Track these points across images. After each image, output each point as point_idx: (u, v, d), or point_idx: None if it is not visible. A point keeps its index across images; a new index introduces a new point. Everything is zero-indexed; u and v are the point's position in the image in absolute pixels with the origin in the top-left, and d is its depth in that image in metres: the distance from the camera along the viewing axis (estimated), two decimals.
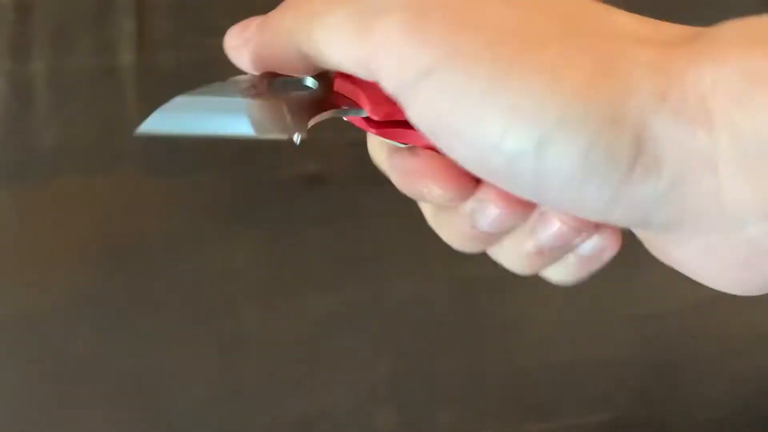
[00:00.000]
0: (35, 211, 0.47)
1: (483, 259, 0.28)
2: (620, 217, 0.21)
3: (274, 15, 0.25)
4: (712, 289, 0.23)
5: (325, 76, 0.26)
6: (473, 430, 0.45)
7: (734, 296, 0.23)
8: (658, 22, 0.23)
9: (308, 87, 0.25)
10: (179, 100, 0.26)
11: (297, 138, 0.24)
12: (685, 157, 0.20)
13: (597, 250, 0.25)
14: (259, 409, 0.44)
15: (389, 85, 0.22)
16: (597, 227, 0.25)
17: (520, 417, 0.45)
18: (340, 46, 0.23)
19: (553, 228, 0.24)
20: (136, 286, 0.46)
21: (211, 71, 0.50)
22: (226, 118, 0.26)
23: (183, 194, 0.47)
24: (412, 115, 0.22)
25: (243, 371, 0.45)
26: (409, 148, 0.25)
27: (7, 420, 0.44)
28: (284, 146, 0.48)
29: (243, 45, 0.25)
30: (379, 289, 0.46)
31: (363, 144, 0.28)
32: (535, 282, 0.28)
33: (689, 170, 0.20)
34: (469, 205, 0.25)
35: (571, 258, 0.25)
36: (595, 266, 0.26)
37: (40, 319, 0.45)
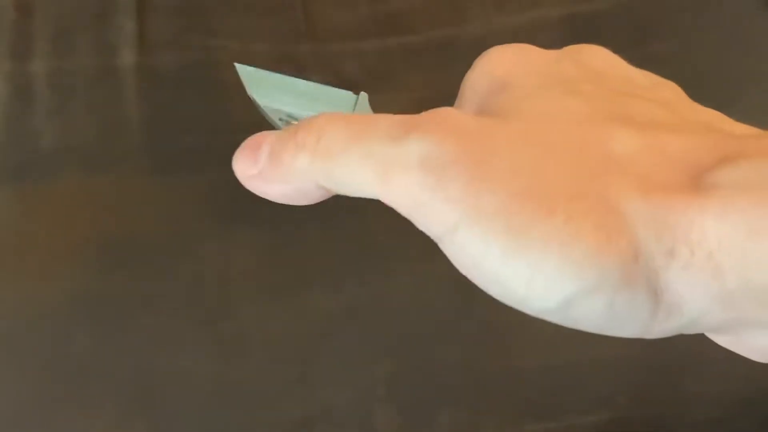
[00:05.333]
0: (35, 211, 0.47)
1: None
2: (653, 337, 0.23)
3: (286, 152, 0.25)
4: None
5: None
6: (473, 430, 0.45)
7: None
8: (657, 135, 0.23)
9: None
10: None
11: None
12: (701, 299, 0.21)
13: None
14: (259, 409, 0.44)
15: (419, 226, 0.23)
16: None
17: (520, 417, 0.45)
18: (361, 188, 0.24)
19: None
20: (135, 286, 0.46)
21: (211, 72, 0.50)
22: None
23: (183, 194, 0.47)
24: (448, 254, 0.23)
25: (243, 371, 0.45)
26: None
27: (6, 419, 0.44)
28: None
29: (258, 176, 0.26)
30: (380, 288, 0.46)
31: None
32: None
33: (708, 307, 0.21)
34: None
35: None
36: None
37: (40, 319, 0.45)
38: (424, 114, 0.24)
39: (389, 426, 0.44)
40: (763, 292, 0.21)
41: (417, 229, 0.28)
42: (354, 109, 0.28)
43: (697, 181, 0.22)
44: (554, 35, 0.52)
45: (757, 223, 0.20)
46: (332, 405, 0.45)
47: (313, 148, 0.25)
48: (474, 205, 0.22)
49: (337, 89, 0.28)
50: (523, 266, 0.22)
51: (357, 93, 0.28)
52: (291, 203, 0.26)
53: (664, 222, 0.21)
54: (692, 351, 0.46)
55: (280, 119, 0.29)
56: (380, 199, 0.24)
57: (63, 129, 0.48)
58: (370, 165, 0.23)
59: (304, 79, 0.28)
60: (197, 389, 0.44)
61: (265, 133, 0.26)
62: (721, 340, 0.24)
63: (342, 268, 0.46)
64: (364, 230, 0.47)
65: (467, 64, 0.28)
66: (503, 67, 0.27)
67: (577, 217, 0.21)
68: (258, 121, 0.53)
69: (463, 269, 0.23)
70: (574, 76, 0.26)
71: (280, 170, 0.26)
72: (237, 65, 0.28)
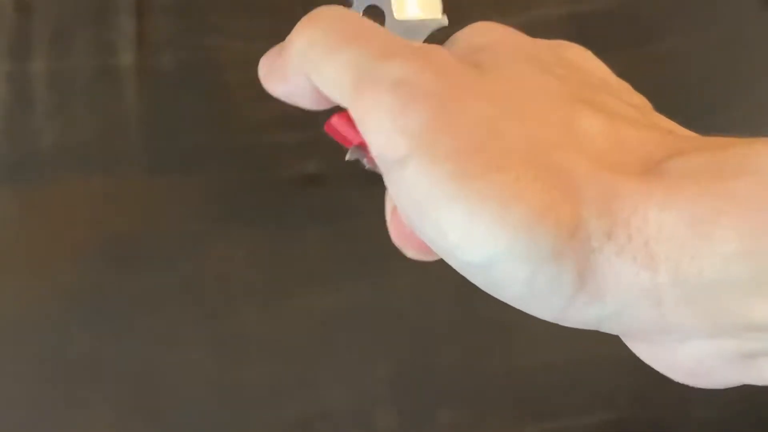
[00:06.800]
0: (35, 211, 0.47)
1: None
2: (570, 324, 0.22)
3: (290, 43, 0.26)
4: None
5: None
6: (473, 431, 0.45)
7: None
8: (620, 124, 0.23)
9: None
10: None
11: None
12: (628, 290, 0.21)
13: None
14: (259, 409, 0.44)
15: (371, 151, 0.23)
16: None
17: (520, 417, 0.45)
18: (337, 92, 0.24)
19: None
20: (136, 286, 0.46)
21: (211, 72, 0.50)
22: None
23: (183, 194, 0.47)
24: (391, 188, 0.23)
25: (243, 371, 0.45)
26: None
27: (6, 420, 0.44)
28: (284, 146, 0.48)
29: (268, 74, 0.27)
30: (379, 289, 0.46)
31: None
32: None
33: (633, 300, 0.21)
34: None
35: None
36: None
37: (39, 318, 0.45)
38: (418, 44, 0.24)
39: (389, 426, 0.44)
40: (694, 289, 0.20)
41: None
42: None
43: (647, 169, 0.21)
44: (554, 35, 0.51)
45: (703, 212, 0.20)
46: (332, 405, 0.45)
47: (310, 40, 0.25)
48: (430, 143, 0.21)
49: None
50: (462, 214, 0.21)
51: None
52: (297, 104, 0.27)
53: (609, 202, 0.21)
54: None
55: None
56: (349, 109, 0.24)
57: (62, 129, 0.48)
58: (350, 72, 0.23)
59: None
60: (197, 389, 0.44)
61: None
62: (640, 348, 0.24)
63: (342, 268, 0.46)
64: (363, 230, 0.47)
65: None
66: (489, 35, 0.27)
67: (525, 180, 0.21)
68: (258, 122, 0.53)
69: (404, 206, 0.23)
70: (552, 62, 0.26)
71: (280, 61, 0.26)
72: None
